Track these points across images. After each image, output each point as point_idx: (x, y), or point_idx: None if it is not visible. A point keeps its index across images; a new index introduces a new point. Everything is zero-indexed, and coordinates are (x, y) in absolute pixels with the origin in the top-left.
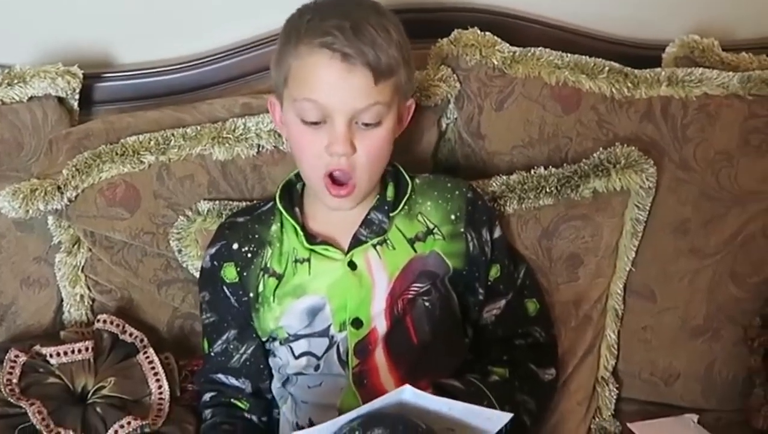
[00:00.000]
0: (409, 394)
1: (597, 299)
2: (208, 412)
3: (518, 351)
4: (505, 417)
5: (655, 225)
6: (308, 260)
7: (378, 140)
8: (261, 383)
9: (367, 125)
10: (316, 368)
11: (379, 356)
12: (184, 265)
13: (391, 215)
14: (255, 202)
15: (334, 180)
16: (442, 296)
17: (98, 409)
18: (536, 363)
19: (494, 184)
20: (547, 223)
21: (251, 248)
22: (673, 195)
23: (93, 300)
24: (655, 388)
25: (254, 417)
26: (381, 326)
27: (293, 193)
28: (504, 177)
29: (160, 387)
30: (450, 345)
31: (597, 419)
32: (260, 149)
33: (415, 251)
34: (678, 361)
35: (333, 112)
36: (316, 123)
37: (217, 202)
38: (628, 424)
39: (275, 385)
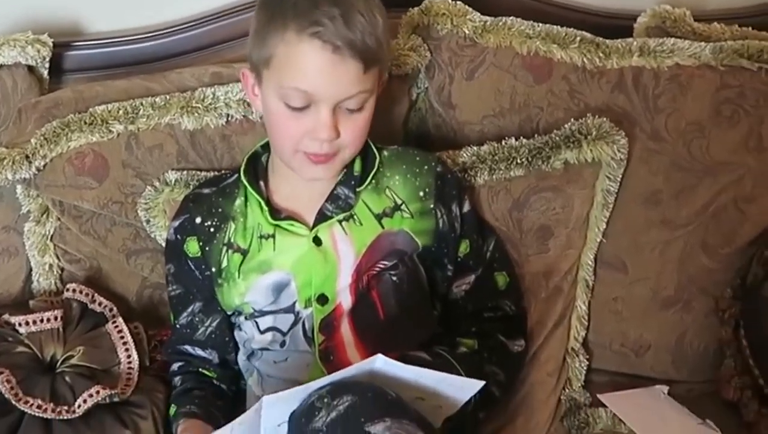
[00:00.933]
0: (381, 362)
1: (567, 271)
2: (177, 379)
3: (487, 323)
4: (476, 384)
5: (626, 196)
6: (273, 236)
7: (361, 124)
8: (227, 355)
9: (351, 110)
10: (282, 344)
11: (345, 332)
12: (153, 235)
13: (357, 190)
14: (222, 172)
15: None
16: (409, 270)
17: (67, 378)
18: (505, 334)
19: (465, 155)
20: (518, 194)
21: (214, 223)
22: (645, 166)
23: (62, 269)
24: (626, 359)
25: (223, 386)
26: (346, 301)
27: (258, 166)
28: (474, 148)
29: (129, 356)
30: (417, 319)
31: (567, 390)
32: (229, 118)
33: (383, 227)
34: (649, 332)
35: (319, 99)
36: (300, 108)
37: (185, 172)
38: (599, 395)
39: (241, 358)
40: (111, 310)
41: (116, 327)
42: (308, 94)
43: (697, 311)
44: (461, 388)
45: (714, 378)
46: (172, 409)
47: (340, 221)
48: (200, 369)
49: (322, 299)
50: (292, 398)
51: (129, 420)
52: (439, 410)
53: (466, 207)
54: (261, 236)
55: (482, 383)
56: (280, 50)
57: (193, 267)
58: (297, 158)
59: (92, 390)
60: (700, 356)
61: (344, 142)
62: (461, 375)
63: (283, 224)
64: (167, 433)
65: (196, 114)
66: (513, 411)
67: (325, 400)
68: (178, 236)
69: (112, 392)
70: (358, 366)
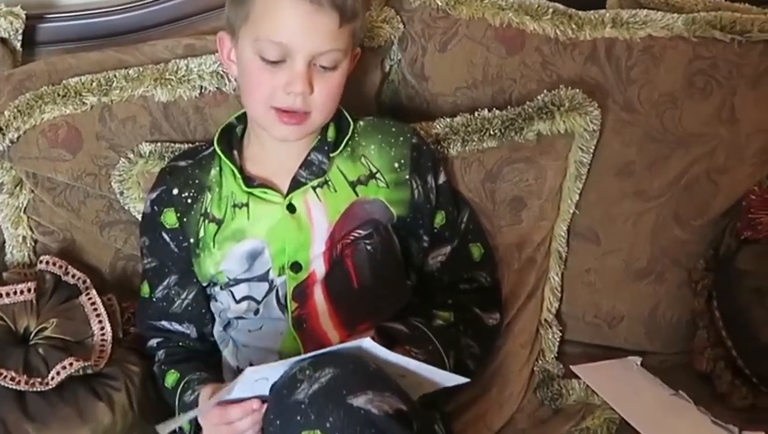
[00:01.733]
0: (368, 346)
1: (540, 242)
2: (161, 353)
3: (463, 295)
4: (461, 379)
5: (599, 167)
6: (246, 204)
7: (333, 84)
8: (204, 327)
9: (324, 68)
10: (256, 312)
11: (319, 299)
12: (126, 207)
13: (331, 155)
14: (198, 144)
15: (284, 112)
16: (384, 240)
17: (40, 350)
18: (481, 307)
19: (438, 126)
20: (491, 166)
21: (191, 194)
22: (618, 137)
23: (35, 242)
24: (599, 331)
25: (206, 357)
26: (320, 269)
27: (232, 136)
28: (448, 119)
29: (102, 328)
30: (392, 288)
31: (540, 361)
32: (203, 90)
33: (357, 194)
34: (622, 304)
35: (295, 52)
36: (275, 62)
37: (158, 144)
38: (572, 367)
39: (217, 329)
40: (84, 282)
41: (90, 299)
42: (284, 47)
43: (670, 282)
44: (445, 378)
45: (687, 350)
46: (174, 376)
47: (314, 188)
48: (180, 343)
49: (296, 267)
50: (274, 370)
51: (102, 392)
52: (419, 387)
53: (442, 179)
54: (235, 205)
55: (467, 380)
56: (258, 3)
57: (169, 239)
58: (269, 115)
59: (66, 362)
60: (672, 327)
61: (316, 102)
62: (438, 348)
63: (257, 192)
64: (141, 405)
65: (169, 86)
66: (486, 382)
67: (307, 372)
68: (155, 208)
69: (86, 364)
70: (345, 345)
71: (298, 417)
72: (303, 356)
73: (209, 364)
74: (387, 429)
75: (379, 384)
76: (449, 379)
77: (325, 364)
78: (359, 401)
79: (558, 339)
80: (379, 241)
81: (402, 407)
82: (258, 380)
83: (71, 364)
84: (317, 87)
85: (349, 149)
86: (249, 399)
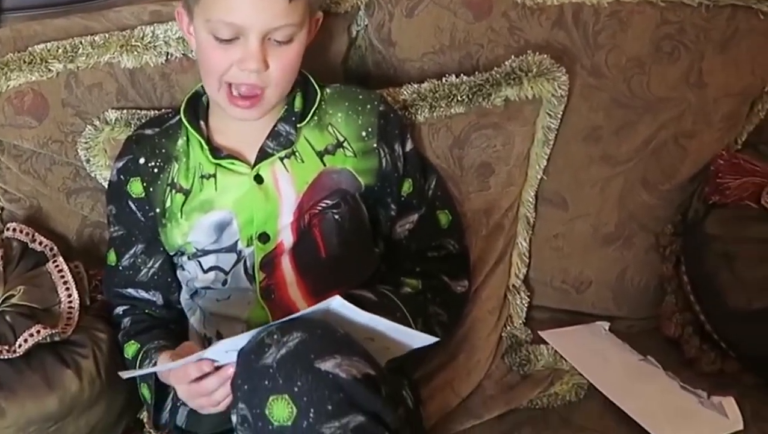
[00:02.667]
0: (337, 304)
1: (508, 208)
2: (126, 320)
3: (431, 262)
4: (428, 339)
5: (566, 133)
6: (214, 175)
7: (290, 57)
8: (170, 295)
9: (279, 42)
10: (224, 283)
11: (287, 270)
12: (93, 175)
13: (298, 126)
14: (165, 112)
15: (240, 94)
16: (351, 209)
17: (7, 318)
18: (449, 274)
19: (405, 92)
20: (459, 132)
21: (158, 163)
22: (585, 102)
23: (2, 209)
24: (567, 296)
25: (171, 326)
26: (287, 240)
27: (199, 105)
28: (415, 85)
29: (69, 295)
30: (360, 257)
31: (508, 327)
32: (169, 56)
33: (325, 164)
34: (589, 269)
35: (247, 30)
36: (228, 40)
37: (125, 111)
38: (540, 332)
39: (184, 297)
40: (51, 249)
41: (57, 266)
42: (236, 26)
43: (638, 247)
44: (413, 339)
45: (655, 315)
46: (134, 347)
47: (281, 159)
48: (146, 311)
49: (264, 238)
50: (244, 340)
51: (70, 360)
52: (387, 351)
53: (409, 146)
54: (202, 176)
55: (435, 339)
56: None
57: (135, 208)
58: (223, 93)
59: (33, 330)
60: (640, 292)
61: (272, 76)
62: (406, 315)
63: (224, 163)
64: (108, 372)
65: (135, 53)
66: (454, 348)
67: (275, 337)
68: (122, 177)
69: (53, 331)
70: (315, 308)
71: (266, 382)
72: (273, 324)
73: (172, 333)
74: (355, 393)
75: (347, 349)
76: (418, 338)
77: (293, 329)
78: (327, 365)
79: (526, 305)
80: (347, 210)
81: (370, 371)
82: (228, 351)
83: (38, 332)
84: (272, 62)
85: (316, 118)
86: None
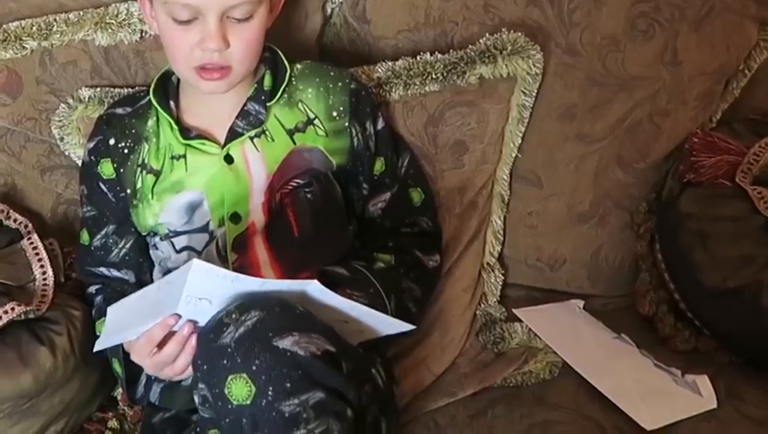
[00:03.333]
0: (315, 289)
1: (482, 186)
2: (99, 298)
3: (404, 237)
4: (405, 326)
5: (541, 111)
6: (184, 156)
7: (250, 34)
8: (142, 274)
9: (238, 20)
10: None
11: (259, 250)
12: (66, 153)
13: (268, 104)
14: (138, 91)
15: (204, 69)
16: (324, 188)
17: None
18: (421, 249)
19: (380, 70)
20: (433, 109)
21: (128, 144)
22: (560, 80)
23: None
24: (541, 274)
25: None
26: (259, 220)
27: (169, 86)
28: (390, 63)
29: (44, 273)
30: (333, 236)
31: (482, 305)
32: (143, 34)
33: (295, 142)
34: (564, 247)
35: (204, 10)
36: (187, 21)
37: (98, 89)
38: (514, 310)
39: (156, 276)
40: (26, 226)
41: (31, 243)
42: (192, 7)
43: (613, 225)
44: (388, 325)
45: (629, 293)
46: (103, 326)
47: (251, 138)
48: (119, 289)
49: (235, 218)
50: (219, 277)
51: (45, 337)
52: (361, 334)
53: (380, 124)
54: (173, 157)
55: (411, 326)
56: None
57: (106, 190)
58: (192, 74)
59: (7, 307)
60: (615, 270)
61: (234, 55)
62: (379, 290)
63: (194, 143)
64: (82, 349)
65: (110, 30)
66: (428, 326)
67: (233, 316)
68: (92, 158)
69: (28, 308)
70: (292, 283)
71: (225, 361)
72: (250, 281)
73: None
74: (313, 370)
75: (306, 326)
76: (393, 325)
77: (251, 307)
78: (285, 343)
79: (500, 283)
80: (319, 189)
81: (329, 348)
82: (201, 299)
83: (13, 309)
84: (233, 40)
85: (286, 95)
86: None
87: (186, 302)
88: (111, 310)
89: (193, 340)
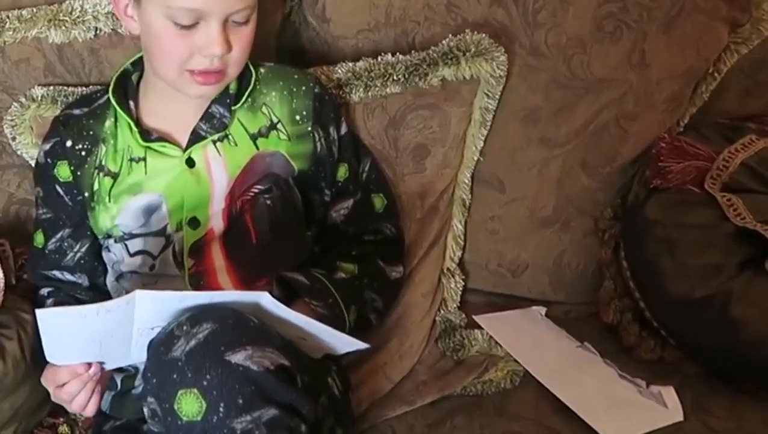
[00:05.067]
0: (267, 301)
1: (444, 190)
2: (50, 302)
3: (367, 245)
4: (361, 345)
5: (504, 114)
6: (144, 159)
7: (247, 37)
8: (96, 279)
9: (238, 23)
10: (152, 268)
11: (216, 256)
12: (19, 152)
13: (233, 108)
14: (94, 91)
15: (201, 73)
16: (284, 193)
17: None
18: (384, 259)
19: (340, 71)
20: (394, 112)
21: (85, 146)
22: (524, 83)
23: None
24: (502, 279)
25: None
26: (218, 226)
27: (128, 85)
28: (350, 64)
29: None
30: (291, 243)
31: (442, 311)
32: (98, 32)
33: (258, 148)
34: (526, 252)
35: (208, 15)
36: (188, 26)
37: (51, 88)
38: (474, 316)
39: (110, 279)
40: None
41: None
42: (197, 12)
43: (576, 231)
44: (346, 343)
45: (593, 300)
46: None
47: (214, 142)
48: (71, 293)
49: (194, 223)
50: (167, 302)
51: None
52: (320, 351)
53: (344, 129)
54: (132, 159)
55: (366, 346)
56: None
57: (62, 193)
58: (183, 78)
59: None
60: (578, 277)
61: (233, 58)
62: (339, 304)
63: (155, 145)
64: (33, 354)
65: (63, 27)
66: (387, 332)
67: (184, 328)
68: (49, 160)
69: None
70: (242, 294)
71: (175, 376)
72: (196, 295)
73: None
74: (267, 386)
75: (259, 340)
76: (349, 344)
77: (203, 319)
78: (238, 357)
79: (461, 288)
80: (279, 195)
81: (284, 362)
82: (153, 328)
83: None
84: (234, 43)
85: (250, 99)
86: None
87: (139, 334)
88: (40, 315)
89: (96, 378)
